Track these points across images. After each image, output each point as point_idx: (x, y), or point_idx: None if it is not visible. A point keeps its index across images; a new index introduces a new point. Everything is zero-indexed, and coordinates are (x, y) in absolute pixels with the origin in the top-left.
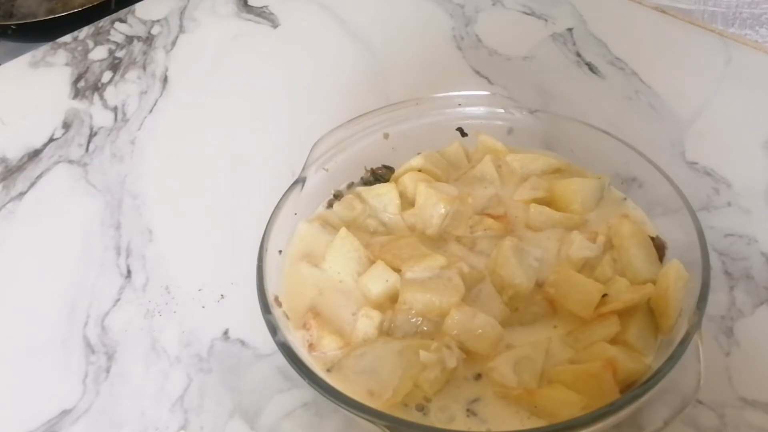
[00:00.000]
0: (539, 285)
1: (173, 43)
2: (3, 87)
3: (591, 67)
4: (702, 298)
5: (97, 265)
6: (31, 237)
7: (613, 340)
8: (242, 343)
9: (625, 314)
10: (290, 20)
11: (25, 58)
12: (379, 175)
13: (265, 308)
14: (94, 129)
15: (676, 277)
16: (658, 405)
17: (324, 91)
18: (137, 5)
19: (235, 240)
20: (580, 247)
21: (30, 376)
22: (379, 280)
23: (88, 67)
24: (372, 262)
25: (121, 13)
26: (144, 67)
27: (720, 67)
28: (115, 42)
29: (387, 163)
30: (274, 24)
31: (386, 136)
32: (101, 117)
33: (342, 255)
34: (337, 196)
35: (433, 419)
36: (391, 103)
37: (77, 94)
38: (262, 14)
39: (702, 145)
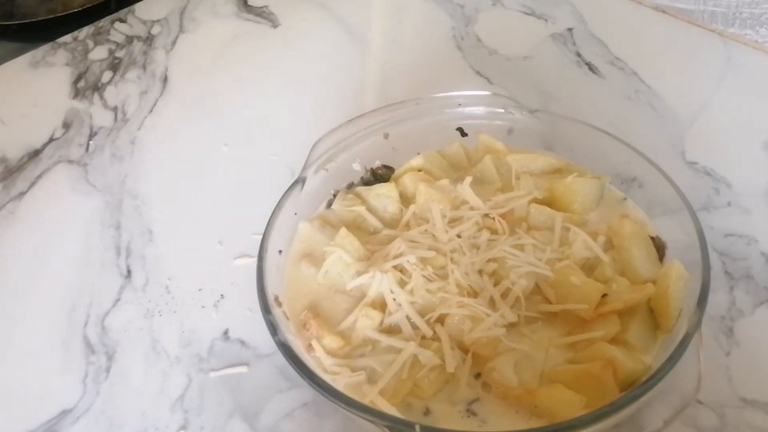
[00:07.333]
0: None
1: (173, 43)
2: (3, 87)
3: (591, 67)
4: (702, 298)
5: (97, 265)
6: (31, 237)
7: (613, 340)
8: (242, 343)
9: (625, 314)
10: (290, 20)
11: (25, 58)
12: (379, 175)
13: (265, 308)
14: (94, 129)
15: (676, 277)
16: (658, 405)
17: (324, 91)
18: (137, 5)
19: (236, 240)
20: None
21: (30, 376)
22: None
23: (88, 67)
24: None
25: (121, 13)
26: (144, 67)
27: (720, 67)
28: (115, 42)
29: (387, 163)
30: (274, 24)
31: (386, 136)
32: (101, 117)
33: (342, 255)
34: (337, 196)
35: (434, 419)
36: (391, 103)
37: (77, 94)
38: (262, 14)
39: (702, 145)
